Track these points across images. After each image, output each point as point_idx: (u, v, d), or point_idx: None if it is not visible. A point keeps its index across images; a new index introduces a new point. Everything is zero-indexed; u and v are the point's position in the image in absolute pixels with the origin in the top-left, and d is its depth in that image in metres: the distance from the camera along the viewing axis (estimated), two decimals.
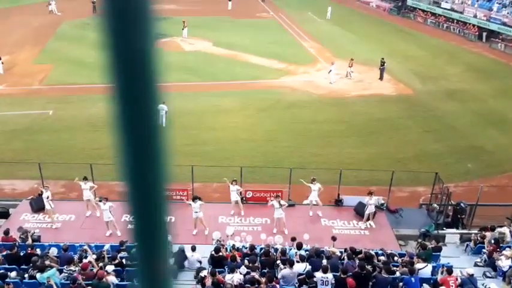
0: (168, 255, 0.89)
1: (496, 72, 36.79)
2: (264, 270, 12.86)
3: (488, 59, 40.55)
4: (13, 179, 20.61)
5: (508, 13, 45.06)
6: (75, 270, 12.51)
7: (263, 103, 29.36)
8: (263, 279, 12.01)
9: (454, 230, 17.46)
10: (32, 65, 36.50)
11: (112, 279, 12.15)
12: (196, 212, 16.16)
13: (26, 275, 12.56)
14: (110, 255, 13.49)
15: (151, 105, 0.78)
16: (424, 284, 12.67)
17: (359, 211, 17.95)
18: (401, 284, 12.58)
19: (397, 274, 12.95)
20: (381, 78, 33.87)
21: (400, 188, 20.11)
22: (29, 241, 14.56)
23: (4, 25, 47.91)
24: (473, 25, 47.66)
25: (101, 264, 12.88)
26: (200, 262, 13.84)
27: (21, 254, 13.84)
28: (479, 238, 15.80)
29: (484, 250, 15.16)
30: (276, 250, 14.15)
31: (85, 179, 17.42)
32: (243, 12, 55.91)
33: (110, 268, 12.47)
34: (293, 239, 14.84)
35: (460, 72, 36.82)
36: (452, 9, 51.57)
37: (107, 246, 14.15)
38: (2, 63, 34.47)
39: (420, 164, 22.25)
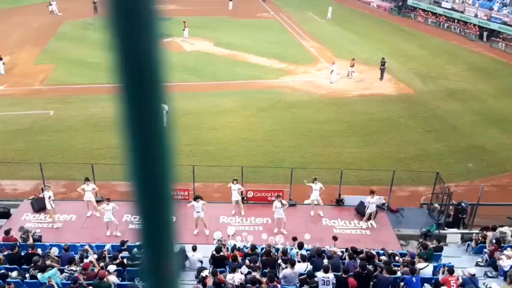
0: (174, 255, 0.89)
1: (497, 72, 36.78)
2: (265, 270, 12.85)
3: (489, 59, 40.53)
4: (14, 179, 20.63)
5: (508, 12, 45.03)
6: (76, 270, 12.51)
7: (264, 103, 29.37)
8: (264, 279, 12.01)
9: (455, 230, 17.45)
10: (33, 65, 36.53)
11: (113, 279, 12.16)
12: (198, 212, 16.16)
13: (27, 275, 12.58)
14: (111, 255, 13.49)
15: (157, 105, 0.78)
16: (425, 284, 12.67)
17: (360, 211, 17.94)
18: (402, 283, 12.57)
19: (398, 274, 12.95)
20: (381, 78, 33.86)
21: (401, 187, 20.11)
22: (30, 241, 14.56)
23: (5, 25, 47.97)
24: (474, 25, 47.63)
25: (102, 264, 12.89)
26: (201, 262, 13.84)
27: (22, 253, 13.85)
28: (480, 238, 15.79)
29: (485, 250, 15.16)
30: (277, 250, 14.16)
31: (87, 180, 17.41)
32: (244, 12, 55.93)
33: (112, 268, 12.47)
34: (294, 239, 14.84)
35: (461, 71, 36.81)
36: (453, 9, 51.55)
37: (107, 246, 14.14)
38: (3, 63, 34.50)
39: (421, 164, 22.26)
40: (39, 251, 13.92)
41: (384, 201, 18.33)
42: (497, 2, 47.14)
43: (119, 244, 14.44)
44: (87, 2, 52.84)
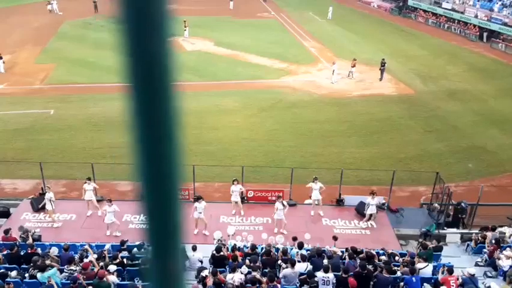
0: (181, 255, 0.90)
1: (497, 72, 36.81)
2: (265, 270, 12.86)
3: (489, 59, 40.54)
4: (14, 179, 20.63)
5: (508, 13, 45.04)
6: (75, 270, 12.51)
7: (264, 103, 29.39)
8: (264, 279, 12.01)
9: (454, 230, 17.46)
10: (33, 64, 36.54)
11: (113, 278, 12.15)
12: (200, 213, 16.16)
13: (27, 275, 12.56)
14: (110, 255, 13.49)
15: (167, 105, 0.78)
16: (425, 284, 12.67)
17: (360, 211, 17.95)
18: (402, 283, 12.58)
19: (398, 274, 12.96)
20: (381, 78, 33.86)
21: (401, 187, 20.12)
22: (30, 240, 14.55)
23: (5, 24, 47.97)
24: (474, 25, 47.64)
25: (101, 263, 12.89)
26: (201, 262, 13.84)
27: (22, 253, 13.84)
28: (480, 238, 15.81)
29: (484, 250, 15.17)
30: (277, 250, 14.16)
31: (88, 179, 17.42)
32: (244, 12, 55.94)
33: (113, 268, 12.47)
34: (294, 239, 14.84)
35: (461, 72, 36.82)
36: (453, 10, 51.55)
37: (107, 246, 14.13)
38: (4, 62, 34.50)
39: (421, 164, 22.27)
40: (39, 250, 13.91)
41: (384, 201, 18.34)
42: (498, 3, 47.15)
43: (118, 244, 14.44)
44: (87, 1, 52.89)
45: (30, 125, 25.71)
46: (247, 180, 18.77)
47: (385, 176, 18.76)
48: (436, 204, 18.28)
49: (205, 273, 12.36)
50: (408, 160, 22.74)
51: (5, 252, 13.69)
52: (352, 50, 40.22)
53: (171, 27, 0.77)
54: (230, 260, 13.18)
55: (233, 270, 12.40)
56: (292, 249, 14.28)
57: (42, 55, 38.73)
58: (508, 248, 14.59)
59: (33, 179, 19.74)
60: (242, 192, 17.99)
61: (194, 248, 14.00)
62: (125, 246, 14.21)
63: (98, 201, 17.69)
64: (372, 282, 12.52)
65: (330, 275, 12.16)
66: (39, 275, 12.19)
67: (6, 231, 15.05)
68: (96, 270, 12.43)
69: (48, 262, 12.81)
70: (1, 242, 14.70)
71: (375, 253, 13.92)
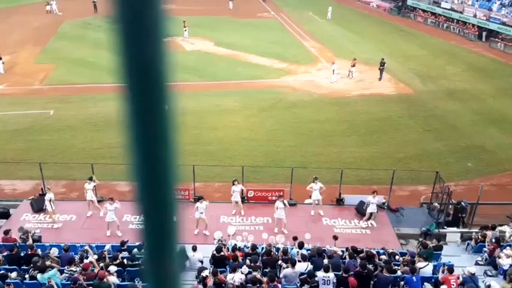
0: (177, 255, 0.90)
1: (496, 72, 36.82)
2: (265, 270, 12.85)
3: (488, 59, 40.55)
4: (13, 179, 20.62)
5: (507, 13, 45.04)
6: (76, 271, 12.49)
7: (264, 103, 29.39)
8: (265, 279, 12.01)
9: (455, 229, 17.46)
10: (33, 64, 36.52)
11: (113, 279, 12.15)
12: (201, 213, 16.16)
13: (27, 276, 12.55)
14: (111, 256, 13.48)
15: (162, 105, 0.78)
16: (425, 283, 12.68)
17: (360, 210, 17.95)
18: (402, 283, 12.58)
19: (399, 273, 12.95)
20: (380, 78, 33.86)
21: (401, 187, 20.13)
22: (30, 241, 14.53)
23: (5, 24, 47.96)
24: (473, 25, 47.66)
25: (102, 264, 12.88)
26: (201, 262, 13.84)
27: (22, 254, 13.82)
28: (480, 237, 15.82)
29: (484, 249, 15.18)
30: (277, 249, 14.16)
31: (90, 179, 17.40)
32: (244, 12, 55.93)
33: (113, 269, 12.47)
34: (295, 238, 14.84)
35: (460, 71, 36.83)
36: (452, 9, 51.56)
37: (107, 247, 14.13)
38: (3, 62, 34.48)
39: (421, 163, 22.27)
40: (39, 251, 13.89)
41: (384, 201, 18.34)
42: (496, 2, 47.15)
43: (118, 244, 14.43)
44: (87, 1, 52.86)
45: (30, 126, 25.70)
46: (247, 180, 18.77)
47: (385, 175, 18.76)
48: (436, 204, 18.28)
49: (205, 273, 12.36)
50: (408, 159, 22.74)
51: (5, 253, 13.67)
52: (351, 49, 40.22)
53: (166, 28, 0.77)
54: (230, 260, 13.17)
55: (233, 270, 12.39)
56: (292, 249, 14.28)
57: (42, 55, 38.72)
58: (508, 247, 14.59)
59: (33, 180, 19.73)
60: (243, 191, 17.98)
61: (194, 248, 14.00)
62: (125, 247, 14.21)
63: (98, 201, 17.67)
64: (372, 282, 12.51)
65: (331, 275, 12.16)
66: (39, 276, 12.18)
67: (6, 232, 15.03)
68: (96, 270, 12.42)
69: (48, 263, 12.80)
70: (1, 243, 14.69)
71: (375, 252, 13.92)
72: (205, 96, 29.69)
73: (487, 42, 44.99)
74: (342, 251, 14.31)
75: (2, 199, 18.82)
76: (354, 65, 33.90)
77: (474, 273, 12.87)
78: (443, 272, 12.89)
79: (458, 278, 12.52)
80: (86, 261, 13.01)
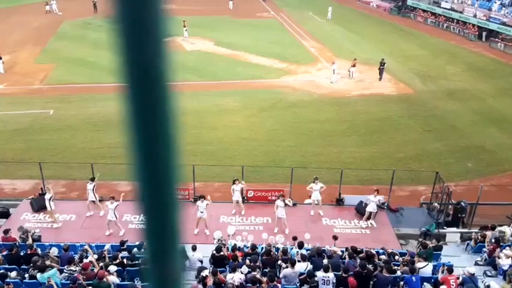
0: (179, 255, 0.90)
1: (496, 72, 36.82)
2: (265, 270, 12.86)
3: (488, 59, 40.55)
4: (13, 179, 20.62)
5: (507, 13, 45.04)
6: (75, 270, 12.50)
7: (264, 103, 29.39)
8: (264, 279, 12.01)
9: (454, 229, 17.47)
10: (33, 64, 36.52)
11: (113, 279, 12.15)
12: (202, 212, 16.16)
13: (26, 275, 12.55)
14: (110, 255, 13.48)
15: (162, 105, 0.78)
16: (425, 283, 12.68)
17: (360, 210, 17.96)
18: (402, 283, 12.58)
19: (398, 273, 12.96)
20: (380, 78, 33.87)
21: (401, 187, 20.13)
22: (29, 241, 14.54)
23: (5, 24, 47.96)
24: (473, 25, 47.66)
25: (101, 264, 12.88)
26: (201, 261, 13.84)
27: (22, 253, 13.83)
28: (479, 237, 15.82)
29: (484, 249, 15.18)
30: (277, 249, 14.16)
31: (92, 180, 17.39)
32: (244, 11, 55.94)
33: (113, 268, 12.47)
34: (294, 238, 14.84)
35: (460, 71, 36.84)
36: (452, 9, 51.57)
37: (107, 246, 14.13)
38: (3, 62, 34.48)
39: (421, 163, 22.28)
40: (39, 251, 13.90)
41: (383, 201, 18.35)
42: (496, 2, 47.15)
43: (118, 244, 14.44)
44: (87, 1, 52.86)
45: (30, 125, 25.70)
46: (247, 180, 18.76)
47: (385, 175, 18.77)
48: (436, 204, 18.29)
49: (205, 273, 12.36)
50: (408, 159, 22.75)
51: (4, 253, 13.68)
52: (351, 49, 40.24)
53: (167, 28, 0.77)
54: (230, 260, 13.17)
55: (233, 270, 12.40)
56: (292, 248, 14.28)
57: (41, 55, 38.72)
58: (507, 247, 14.60)
59: (33, 179, 19.74)
60: (242, 189, 17.94)
61: (194, 248, 14.00)
62: (125, 247, 14.21)
63: (100, 201, 17.65)
64: (371, 282, 12.52)
65: (330, 275, 12.17)
66: (39, 275, 12.18)
67: (6, 232, 15.04)
68: (96, 270, 12.43)
69: (48, 262, 12.81)
70: (1, 243, 14.69)
71: (374, 252, 13.92)
72: (205, 96, 29.70)
73: (487, 42, 45.00)
74: (342, 251, 14.31)
75: (1, 198, 18.82)
76: (354, 65, 33.90)
77: (474, 274, 12.88)
78: (442, 272, 12.89)
79: (457, 278, 12.53)
80: (85, 260, 13.02)
